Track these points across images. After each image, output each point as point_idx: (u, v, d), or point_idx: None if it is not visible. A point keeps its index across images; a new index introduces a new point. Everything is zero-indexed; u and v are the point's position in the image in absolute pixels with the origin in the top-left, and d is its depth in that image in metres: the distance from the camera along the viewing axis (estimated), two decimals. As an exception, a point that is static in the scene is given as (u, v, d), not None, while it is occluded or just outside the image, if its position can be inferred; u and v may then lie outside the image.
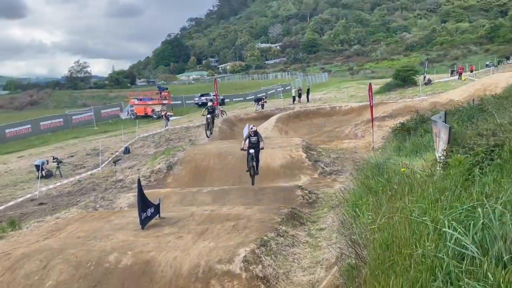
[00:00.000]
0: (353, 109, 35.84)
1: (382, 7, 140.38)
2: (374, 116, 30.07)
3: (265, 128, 30.67)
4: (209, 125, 28.09)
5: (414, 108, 27.50)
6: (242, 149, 19.70)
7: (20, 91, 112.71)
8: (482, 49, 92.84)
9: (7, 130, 48.76)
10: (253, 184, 18.12)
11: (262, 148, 19.44)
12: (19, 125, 50.95)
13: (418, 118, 19.75)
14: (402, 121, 22.12)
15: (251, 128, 19.70)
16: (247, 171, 19.37)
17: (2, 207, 19.97)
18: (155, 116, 54.63)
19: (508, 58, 71.57)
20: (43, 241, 12.66)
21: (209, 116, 26.15)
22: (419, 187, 6.68)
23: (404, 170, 8.80)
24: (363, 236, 6.26)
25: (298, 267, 10.53)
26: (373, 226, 5.84)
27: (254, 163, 19.14)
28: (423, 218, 4.72)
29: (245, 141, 19.88)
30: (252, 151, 18.83)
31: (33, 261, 10.88)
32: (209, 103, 28.01)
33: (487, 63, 69.77)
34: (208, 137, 28.69)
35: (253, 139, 19.38)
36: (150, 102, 59.94)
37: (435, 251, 4.12)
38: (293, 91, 55.31)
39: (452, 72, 62.82)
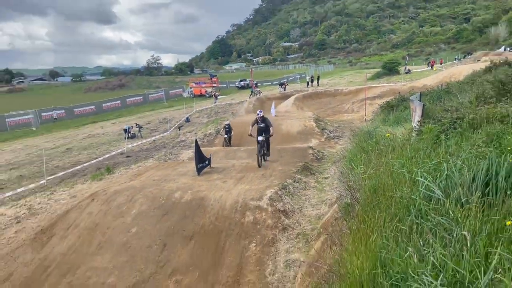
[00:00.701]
0: (351, 91, 35.38)
1: (375, 15, 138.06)
2: (366, 96, 29.74)
3: (286, 105, 30.47)
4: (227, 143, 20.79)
5: (397, 90, 27.11)
6: (250, 135, 14.50)
7: (113, 77, 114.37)
8: (450, 47, 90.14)
9: (103, 105, 49.61)
10: (259, 166, 13.70)
11: (272, 135, 14.56)
12: (113, 100, 51.79)
13: (399, 98, 19.38)
14: (387, 100, 21.67)
15: (258, 114, 14.73)
16: (257, 155, 14.19)
17: (101, 158, 20.44)
18: (207, 95, 54.61)
19: (469, 54, 69.32)
20: (129, 182, 12.95)
21: (260, 138, 18.79)
22: (399, 147, 6.63)
23: (388, 135, 8.71)
24: (357, 183, 6.26)
25: (308, 204, 10.59)
26: (364, 176, 5.87)
27: (264, 150, 14.34)
28: (402, 170, 4.73)
29: (252, 126, 14.67)
30: (260, 138, 13.97)
31: (122, 196, 11.17)
32: (226, 122, 21.71)
33: (456, 57, 68.08)
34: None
35: (261, 125, 14.39)
36: (203, 85, 60.08)
37: (410, 194, 4.13)
38: (307, 78, 54.69)
39: (428, 64, 61.18)
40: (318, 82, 51.06)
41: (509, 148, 4.76)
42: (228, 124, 21.01)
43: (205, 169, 13.48)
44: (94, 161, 19.98)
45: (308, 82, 52.27)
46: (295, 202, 10.72)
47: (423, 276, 2.43)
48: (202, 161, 13.51)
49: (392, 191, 4.37)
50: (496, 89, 10.17)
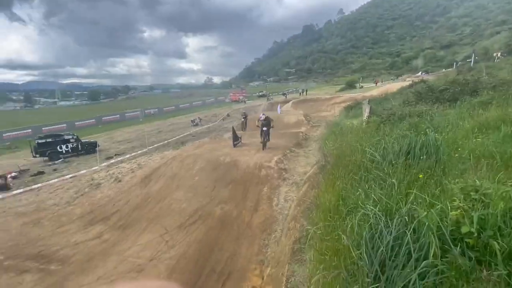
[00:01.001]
0: (327, 98, 34.60)
1: (343, 51, 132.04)
2: (335, 101, 29.13)
3: (287, 106, 30.01)
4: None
5: (354, 98, 26.51)
6: (257, 126, 13.52)
7: (185, 90, 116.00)
8: (387, 72, 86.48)
9: (180, 105, 49.88)
10: (263, 149, 12.50)
11: (272, 127, 13.25)
12: (185, 103, 51.94)
13: (356, 102, 19.03)
14: (349, 103, 21.26)
15: (260, 118, 13.43)
16: (261, 142, 13.01)
17: (178, 137, 20.66)
18: (240, 101, 54.27)
19: (399, 76, 66.19)
20: (193, 150, 13.05)
21: (264, 129, 14.19)
22: (355, 131, 6.47)
23: (348, 124, 8.53)
24: (328, 152, 6.15)
25: (299, 165, 10.50)
26: (332, 148, 5.77)
27: (266, 138, 13.03)
28: (356, 144, 4.61)
29: (258, 121, 13.66)
30: (265, 128, 12.95)
31: (190, 158, 11.30)
32: (243, 110, 19.97)
33: (392, 78, 65.36)
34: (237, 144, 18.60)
35: (265, 121, 13.20)
36: (237, 94, 59.81)
37: (360, 158, 4.02)
38: (300, 90, 53.94)
39: (374, 82, 58.89)
40: (306, 93, 50.06)
41: (422, 132, 4.61)
42: (245, 112, 20.00)
43: (238, 144, 13.47)
44: (174, 138, 20.21)
45: (300, 93, 51.26)
46: (291, 164, 10.66)
47: (367, 206, 2.37)
48: (236, 139, 13.49)
49: (350, 157, 4.30)
50: (415, 96, 9.81)
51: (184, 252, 6.63)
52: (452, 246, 1.83)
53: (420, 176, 3.11)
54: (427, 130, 4.69)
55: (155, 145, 18.05)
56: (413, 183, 3.02)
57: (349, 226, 2.10)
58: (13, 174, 14.50)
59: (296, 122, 20.72)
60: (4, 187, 12.47)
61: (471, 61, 36.15)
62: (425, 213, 2.12)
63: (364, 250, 1.85)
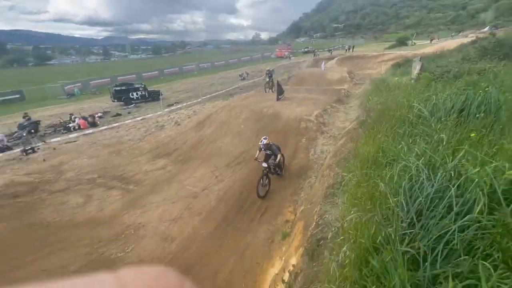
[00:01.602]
0: (374, 56, 30.62)
1: (397, 5, 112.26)
2: (383, 59, 25.76)
3: (331, 63, 27.39)
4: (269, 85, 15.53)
5: (404, 56, 22.94)
6: (255, 160, 6.91)
7: (234, 46, 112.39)
8: (447, 28, 72.12)
9: (230, 60, 48.71)
10: (258, 196, 6.45)
11: (279, 161, 6.81)
12: (234, 59, 50.38)
13: (405, 60, 16.48)
14: (397, 61, 18.62)
15: (261, 141, 6.86)
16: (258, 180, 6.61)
17: (227, 89, 20.72)
18: (284, 57, 51.07)
19: (460, 32, 54.96)
20: (240, 102, 13.06)
21: (267, 79, 14.83)
22: (403, 87, 5.66)
23: (397, 79, 7.52)
24: (371, 107, 5.60)
25: (338, 121, 9.95)
26: (377, 102, 5.20)
27: (264, 180, 6.68)
28: (403, 100, 4.04)
29: (259, 151, 6.97)
30: (265, 165, 6.69)
31: (237, 108, 11.37)
32: (267, 68, 16.03)
33: (452, 34, 54.69)
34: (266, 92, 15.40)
35: (267, 152, 6.99)
36: (283, 50, 55.97)
37: (406, 114, 3.55)
38: (346, 47, 48.32)
39: (430, 40, 50.06)
40: (352, 50, 44.90)
41: (480, 91, 3.83)
42: (269, 70, 15.86)
43: (281, 98, 13.07)
44: (224, 90, 20.34)
45: (346, 50, 46.14)
46: (330, 118, 10.15)
47: (409, 158, 2.12)
48: (280, 93, 13.04)
49: (395, 112, 3.82)
50: (478, 52, 8.08)
51: (230, 186, 7.12)
52: (504, 204, 1.57)
53: (473, 134, 2.66)
54: (487, 88, 3.89)
55: (207, 96, 18.47)
56: (463, 141, 2.61)
57: (388, 175, 1.92)
58: (99, 114, 16.39)
59: (339, 79, 19.08)
60: (94, 124, 14.29)
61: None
62: (476, 169, 1.82)
63: (401, 198, 1.70)
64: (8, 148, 11.01)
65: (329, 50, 45.04)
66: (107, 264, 4.87)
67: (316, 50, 47.39)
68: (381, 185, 1.78)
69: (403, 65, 14.75)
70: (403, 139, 2.82)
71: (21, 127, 12.73)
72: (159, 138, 10.81)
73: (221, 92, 19.89)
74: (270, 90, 15.33)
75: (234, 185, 7.14)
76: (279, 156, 6.84)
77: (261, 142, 6.90)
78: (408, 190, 1.83)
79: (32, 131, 11.82)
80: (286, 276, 3.02)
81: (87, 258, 5.05)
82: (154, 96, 20.06)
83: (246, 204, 6.43)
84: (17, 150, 10.02)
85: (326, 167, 6.05)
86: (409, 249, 1.38)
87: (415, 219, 1.69)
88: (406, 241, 1.47)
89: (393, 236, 1.44)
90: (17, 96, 24.86)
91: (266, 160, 7.06)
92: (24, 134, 11.27)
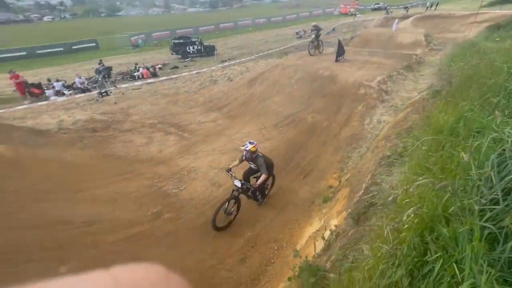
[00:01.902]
0: (463, 15, 25.06)
1: None
2: (475, 20, 20.86)
3: (405, 23, 23.32)
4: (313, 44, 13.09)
5: (507, 15, 18.04)
6: (227, 171, 4.42)
7: (292, 1, 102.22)
8: None
9: (287, 16, 45.39)
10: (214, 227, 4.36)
11: (262, 182, 4.42)
12: (292, 14, 46.92)
13: (508, 21, 13.01)
14: (496, 22, 14.90)
15: (245, 146, 4.39)
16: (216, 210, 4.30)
17: (282, 47, 19.64)
18: (350, 14, 45.24)
19: None
20: (295, 61, 12.34)
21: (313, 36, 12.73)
22: (502, 50, 4.56)
23: (497, 39, 6.07)
24: (453, 74, 4.72)
25: (403, 90, 8.82)
26: (463, 67, 4.32)
27: (231, 209, 4.43)
28: (502, 65, 3.26)
29: (239, 161, 4.59)
30: (237, 184, 4.29)
31: (291, 68, 10.88)
32: (313, 23, 13.26)
33: None
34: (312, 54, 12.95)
35: (251, 164, 4.64)
36: (349, 6, 49.43)
37: (504, 82, 2.89)
38: (428, 3, 40.28)
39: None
40: (436, 8, 37.32)
41: None
42: (316, 25, 12.97)
43: (340, 59, 11.93)
44: (278, 49, 19.38)
45: (427, 7, 38.57)
46: (395, 86, 9.04)
47: (505, 129, 1.77)
48: (340, 54, 11.89)
49: (487, 79, 3.15)
50: None
51: (277, 146, 7.18)
52: None
53: None
54: None
55: (261, 54, 17.93)
56: None
57: (474, 145, 1.64)
58: (159, 65, 17.47)
59: (412, 43, 16.36)
60: (155, 75, 15.35)
61: None
62: None
63: (489, 171, 1.46)
64: (88, 90, 12.71)
65: (405, 7, 37.99)
66: (164, 196, 5.61)
67: (388, 7, 40.57)
68: (462, 155, 1.54)
69: (504, 27, 11.75)
70: (497, 109, 2.34)
71: (97, 71, 14.39)
72: (212, 92, 11.16)
73: (275, 50, 19.05)
74: (317, 51, 13.11)
75: (280, 145, 7.19)
76: (263, 176, 4.40)
77: (244, 146, 4.49)
78: (496, 164, 1.56)
79: (106, 76, 13.29)
80: (326, 234, 3.06)
81: (148, 190, 5.86)
82: (209, 51, 20.30)
83: (290, 164, 6.49)
84: (94, 92, 11.50)
85: (382, 138, 5.58)
86: (490, 225, 1.21)
87: (500, 197, 1.46)
88: (486, 217, 1.29)
89: (472, 207, 1.27)
90: (93, 44, 27.75)
91: (244, 177, 4.87)
92: (100, 79, 12.77)
